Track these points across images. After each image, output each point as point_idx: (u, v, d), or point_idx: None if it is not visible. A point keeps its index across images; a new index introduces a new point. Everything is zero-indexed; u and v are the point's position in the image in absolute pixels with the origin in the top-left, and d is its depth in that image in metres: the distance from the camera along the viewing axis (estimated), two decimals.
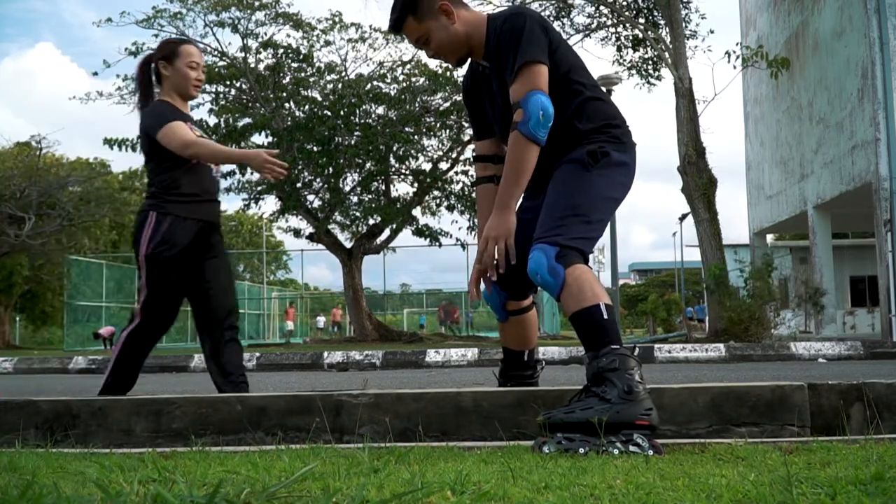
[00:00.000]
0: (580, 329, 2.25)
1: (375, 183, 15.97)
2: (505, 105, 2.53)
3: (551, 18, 16.71)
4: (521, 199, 2.74)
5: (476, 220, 15.95)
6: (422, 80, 15.82)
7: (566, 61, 2.51)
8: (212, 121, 15.39)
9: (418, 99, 15.66)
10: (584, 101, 2.51)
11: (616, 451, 1.99)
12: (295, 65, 16.11)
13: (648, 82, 17.52)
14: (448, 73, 15.54)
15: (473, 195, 16.20)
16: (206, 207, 3.37)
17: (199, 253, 3.35)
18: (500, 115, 2.61)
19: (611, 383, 2.10)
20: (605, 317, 2.21)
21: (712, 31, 20.02)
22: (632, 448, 2.00)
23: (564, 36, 16.71)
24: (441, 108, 15.75)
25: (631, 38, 16.98)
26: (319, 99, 16.04)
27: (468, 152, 16.41)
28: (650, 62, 17.23)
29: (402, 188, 17.61)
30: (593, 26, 16.97)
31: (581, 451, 2.01)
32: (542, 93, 2.37)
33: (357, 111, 15.30)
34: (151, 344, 3.44)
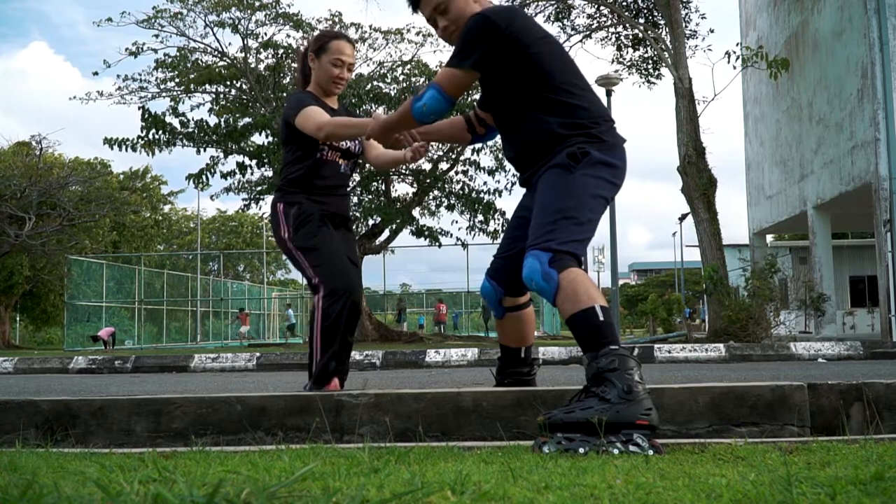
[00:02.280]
0: (577, 332, 2.27)
1: (375, 183, 15.97)
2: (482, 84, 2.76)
3: (551, 19, 16.73)
4: (521, 199, 2.79)
5: (475, 220, 16.00)
6: (422, 80, 15.83)
7: (544, 64, 2.55)
8: (212, 121, 15.40)
9: (458, 99, 15.64)
10: (562, 103, 2.54)
11: (616, 451, 2.00)
12: (295, 65, 16.11)
13: (648, 81, 17.52)
14: None
15: (473, 195, 16.22)
16: (331, 200, 3.35)
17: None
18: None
19: (610, 383, 2.11)
20: (602, 318, 2.23)
21: (712, 31, 20.05)
22: (632, 448, 2.00)
23: (563, 37, 16.76)
24: None
25: (631, 37, 16.98)
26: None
27: (468, 152, 16.42)
28: (650, 61, 17.23)
29: (402, 188, 17.61)
30: (593, 27, 16.97)
31: (581, 451, 2.01)
32: (438, 90, 2.57)
33: (357, 111, 15.30)
34: (343, 319, 3.17)
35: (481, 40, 2.51)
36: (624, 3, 16.35)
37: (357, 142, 3.42)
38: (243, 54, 16.25)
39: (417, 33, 16.98)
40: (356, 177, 15.65)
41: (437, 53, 22.81)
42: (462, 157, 16.60)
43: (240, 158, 15.17)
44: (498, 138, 3.07)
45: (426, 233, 15.97)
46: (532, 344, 2.96)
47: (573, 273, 2.32)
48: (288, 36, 16.52)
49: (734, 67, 13.21)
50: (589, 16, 16.95)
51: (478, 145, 15.92)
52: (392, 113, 2.93)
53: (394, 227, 16.31)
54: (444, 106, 2.62)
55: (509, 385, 2.84)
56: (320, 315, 3.15)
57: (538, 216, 2.46)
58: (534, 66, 2.54)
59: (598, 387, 2.13)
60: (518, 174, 2.76)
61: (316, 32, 3.14)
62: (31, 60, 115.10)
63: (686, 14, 15.93)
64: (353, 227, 3.60)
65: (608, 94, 14.38)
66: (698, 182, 13.06)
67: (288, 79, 16.11)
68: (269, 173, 15.51)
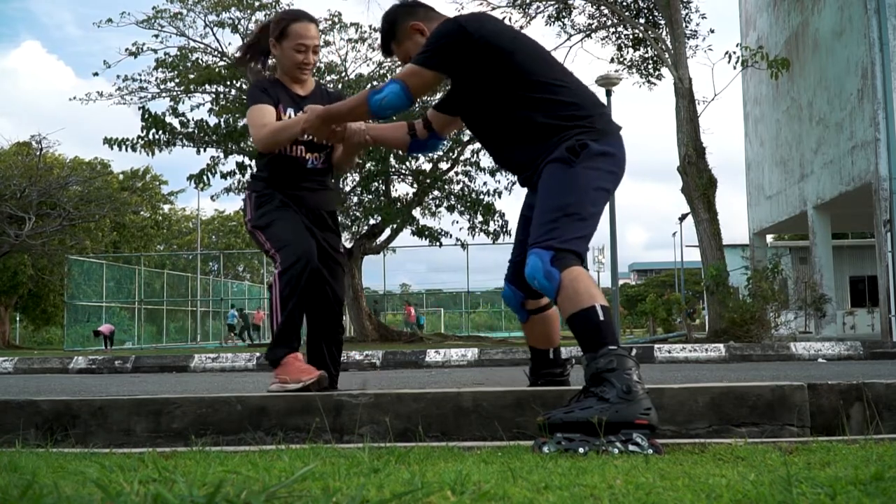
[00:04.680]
0: (577, 331, 2.25)
1: (375, 183, 15.97)
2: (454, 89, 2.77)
3: (552, 19, 16.73)
4: (524, 198, 2.77)
5: (475, 219, 15.98)
6: None
7: (522, 63, 2.55)
8: (212, 121, 15.40)
9: (418, 99, 15.65)
10: (549, 100, 2.53)
11: (616, 451, 1.99)
12: None
13: (649, 81, 17.52)
14: None
15: (473, 196, 16.21)
16: (303, 195, 3.16)
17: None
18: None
19: (609, 383, 2.10)
20: (602, 318, 2.21)
21: (712, 31, 20.06)
22: (631, 447, 2.00)
23: (563, 37, 16.77)
24: None
25: (631, 37, 16.98)
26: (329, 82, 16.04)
27: (468, 152, 16.42)
28: (650, 61, 17.23)
29: (402, 188, 17.61)
30: (593, 26, 16.96)
31: (581, 450, 2.00)
32: (402, 86, 2.57)
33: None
34: (304, 283, 3.00)
35: (450, 44, 2.52)
36: (624, 3, 16.35)
37: None
38: None
39: None
40: (356, 177, 15.67)
41: None
42: (462, 158, 16.60)
43: (240, 158, 15.18)
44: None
45: (426, 233, 15.96)
46: (559, 345, 2.94)
47: (575, 272, 2.30)
48: None
49: (734, 68, 13.22)
50: (589, 15, 16.95)
51: (477, 145, 15.92)
52: (340, 103, 2.89)
53: (394, 227, 16.31)
54: (405, 103, 2.61)
55: (543, 386, 2.81)
56: (277, 284, 2.98)
57: (540, 214, 2.44)
58: (512, 66, 2.53)
59: (598, 387, 2.12)
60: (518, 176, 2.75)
61: (275, 13, 2.87)
62: (23, 60, 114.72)
63: (686, 14, 15.93)
64: (337, 220, 3.37)
65: (608, 94, 14.37)
66: (698, 182, 13.06)
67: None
68: None
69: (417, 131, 3.07)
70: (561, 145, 2.47)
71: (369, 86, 15.74)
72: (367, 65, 17.04)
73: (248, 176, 15.75)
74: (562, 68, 2.65)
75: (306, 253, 2.99)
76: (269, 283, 3.09)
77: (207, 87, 16.51)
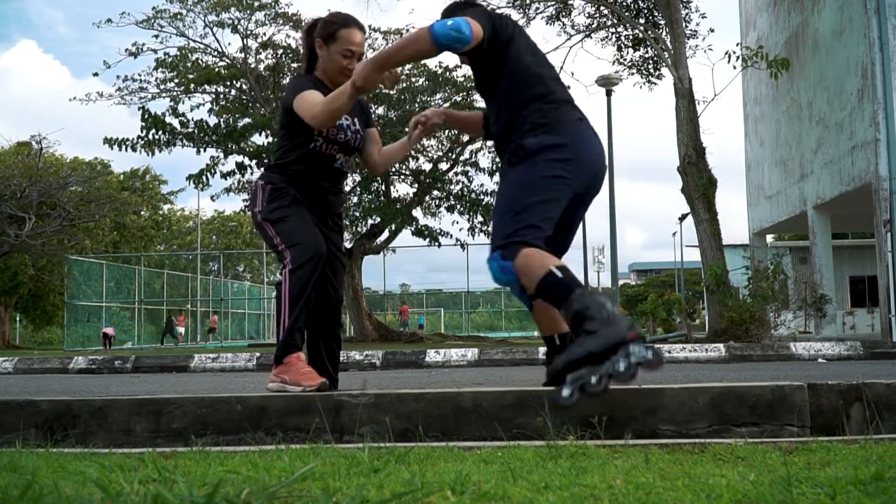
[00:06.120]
0: (547, 297, 2.48)
1: (375, 183, 15.97)
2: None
3: (552, 19, 16.73)
4: None
5: (475, 219, 15.98)
6: (421, 80, 15.83)
7: (513, 59, 2.77)
8: (212, 121, 15.40)
9: (418, 99, 15.66)
10: (525, 102, 2.74)
11: (622, 366, 2.18)
12: (295, 65, 16.11)
13: (649, 81, 17.52)
14: (447, 74, 15.53)
15: (473, 196, 16.22)
16: (320, 195, 3.18)
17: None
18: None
19: (589, 318, 2.31)
20: (559, 275, 2.44)
21: (712, 31, 20.02)
22: (633, 359, 2.19)
23: (563, 37, 16.78)
24: None
25: (631, 37, 16.98)
26: None
27: (468, 153, 16.43)
28: (650, 61, 17.23)
29: (402, 188, 17.59)
30: (593, 26, 16.96)
31: (592, 380, 2.18)
32: (465, 21, 2.63)
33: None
34: (314, 280, 3.02)
35: (486, 15, 2.74)
36: (624, 3, 16.34)
37: (358, 136, 3.24)
38: (243, 54, 16.24)
39: None
40: (356, 177, 15.67)
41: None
42: (462, 158, 16.60)
43: (240, 158, 15.17)
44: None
45: (426, 233, 15.96)
46: (566, 332, 2.96)
47: (523, 255, 2.50)
48: (287, 36, 16.53)
49: (734, 67, 13.22)
50: (589, 15, 16.95)
51: (476, 145, 15.95)
52: (390, 46, 2.99)
53: (394, 227, 16.30)
54: (469, 35, 2.60)
55: None
56: (287, 282, 2.97)
57: (493, 218, 2.72)
58: (511, 60, 2.74)
59: (581, 325, 2.33)
60: None
61: (326, 14, 2.89)
62: (18, 60, 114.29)
63: (686, 14, 15.92)
64: (343, 224, 3.41)
65: (608, 94, 14.38)
66: (698, 182, 13.06)
67: (287, 79, 16.12)
68: None
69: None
70: (508, 147, 2.73)
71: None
72: (389, 45, 17.01)
73: (249, 178, 15.79)
74: (544, 58, 2.87)
75: (318, 253, 3.00)
76: (278, 281, 3.08)
77: (207, 87, 16.51)
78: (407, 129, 3.15)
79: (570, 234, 2.90)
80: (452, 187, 16.60)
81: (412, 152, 15.91)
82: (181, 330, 27.17)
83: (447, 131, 16.23)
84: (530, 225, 2.56)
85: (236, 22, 16.00)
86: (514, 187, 2.64)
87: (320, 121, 2.95)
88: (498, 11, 2.92)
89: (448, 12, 2.90)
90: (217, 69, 16.35)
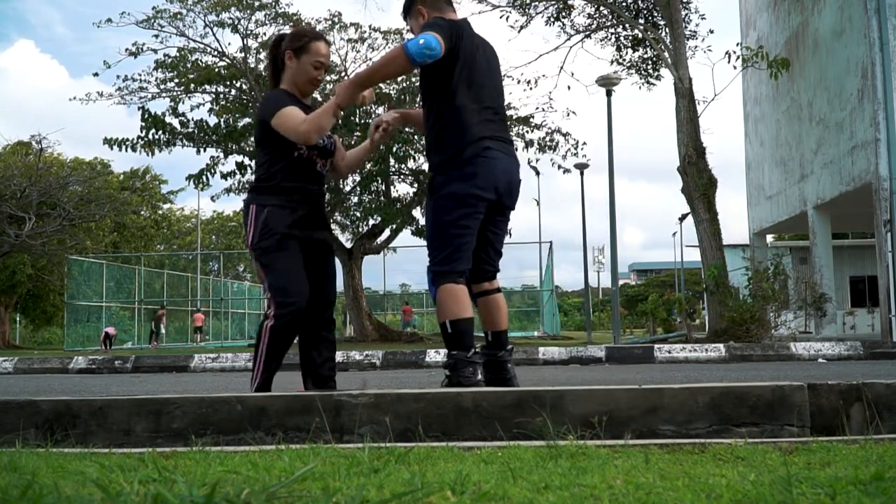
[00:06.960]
0: (441, 333, 3.14)
1: (375, 183, 15.97)
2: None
3: (552, 19, 16.73)
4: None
5: None
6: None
7: (461, 81, 3.10)
8: (212, 121, 15.40)
9: (418, 99, 15.66)
10: (448, 120, 3.12)
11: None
12: None
13: (648, 82, 17.51)
14: None
15: None
16: (305, 202, 3.30)
17: (306, 242, 3.30)
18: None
19: (449, 379, 3.08)
20: (449, 331, 3.08)
21: (712, 31, 20.02)
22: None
23: (563, 37, 16.77)
24: None
25: (631, 38, 16.97)
26: (319, 99, 16.04)
27: None
28: (650, 62, 17.22)
29: (402, 188, 17.59)
30: (593, 27, 16.96)
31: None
32: (432, 35, 2.92)
33: (357, 111, 15.31)
34: (294, 333, 3.27)
35: (451, 32, 3.00)
36: (624, 4, 16.34)
37: (331, 141, 3.39)
38: (243, 54, 16.24)
39: None
40: (356, 177, 15.67)
41: None
42: None
43: (240, 158, 15.17)
44: None
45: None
46: (502, 329, 3.37)
47: (443, 291, 3.09)
48: None
49: (734, 67, 13.22)
50: (589, 16, 16.95)
51: None
52: (369, 64, 3.20)
53: (394, 227, 16.30)
54: (440, 51, 2.89)
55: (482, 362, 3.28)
56: (267, 333, 3.17)
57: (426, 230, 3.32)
58: (458, 81, 3.05)
59: (450, 373, 3.09)
60: None
61: (290, 28, 3.15)
62: (16, 60, 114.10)
63: (686, 14, 15.92)
64: (329, 226, 3.55)
65: (608, 94, 14.36)
66: (698, 182, 13.06)
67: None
68: None
69: None
70: (433, 174, 3.24)
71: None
72: (367, 65, 17.04)
73: (248, 178, 15.80)
74: (485, 84, 3.20)
75: (298, 302, 3.19)
76: (261, 321, 3.29)
77: (207, 87, 16.52)
78: (413, 139, 3.39)
79: (497, 241, 3.34)
80: None
81: (412, 152, 15.93)
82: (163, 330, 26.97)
83: None
84: (451, 260, 3.09)
85: (236, 22, 16.01)
86: (433, 219, 3.17)
87: (307, 138, 3.14)
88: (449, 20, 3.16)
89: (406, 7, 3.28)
90: (217, 69, 16.35)
